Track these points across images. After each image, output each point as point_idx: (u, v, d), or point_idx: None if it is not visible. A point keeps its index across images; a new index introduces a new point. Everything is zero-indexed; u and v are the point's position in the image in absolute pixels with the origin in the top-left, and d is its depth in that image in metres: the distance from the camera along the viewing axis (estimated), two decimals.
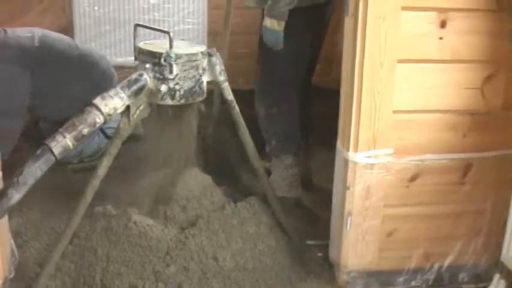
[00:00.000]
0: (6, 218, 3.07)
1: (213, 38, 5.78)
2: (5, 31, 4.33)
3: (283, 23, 3.66)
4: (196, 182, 3.31)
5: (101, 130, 4.49)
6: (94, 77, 4.47)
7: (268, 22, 3.69)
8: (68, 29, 5.75)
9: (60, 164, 4.18)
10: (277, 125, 3.85)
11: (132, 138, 4.53)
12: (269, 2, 3.68)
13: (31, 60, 4.27)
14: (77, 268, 3.10)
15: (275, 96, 3.90)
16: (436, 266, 3.31)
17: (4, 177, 2.96)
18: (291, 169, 4.03)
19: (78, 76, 4.47)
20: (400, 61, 2.93)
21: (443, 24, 2.92)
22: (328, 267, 3.42)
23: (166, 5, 5.85)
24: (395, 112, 3.00)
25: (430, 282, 3.34)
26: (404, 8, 2.86)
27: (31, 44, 4.33)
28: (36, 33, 4.42)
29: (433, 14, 2.91)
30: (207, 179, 3.40)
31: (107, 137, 4.49)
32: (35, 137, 4.79)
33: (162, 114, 3.18)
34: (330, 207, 3.41)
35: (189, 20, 5.86)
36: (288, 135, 3.96)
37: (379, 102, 2.96)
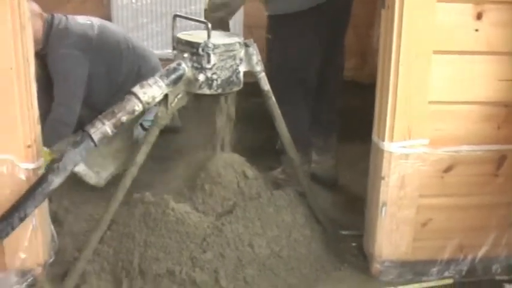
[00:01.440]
0: (46, 203, 3.13)
1: (249, 30, 5.81)
2: (67, 17, 4.54)
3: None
4: (232, 166, 3.33)
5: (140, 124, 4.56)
6: (143, 72, 4.58)
7: None
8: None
9: None
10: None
11: (171, 130, 4.64)
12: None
13: (90, 47, 4.47)
14: (115, 253, 3.15)
15: (280, 98, 3.92)
16: (469, 257, 3.32)
17: None
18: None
19: (129, 68, 4.63)
20: (435, 52, 2.95)
21: (479, 16, 2.93)
22: (362, 257, 3.44)
23: None
24: (430, 103, 3.01)
25: (463, 273, 3.33)
26: (440, 0, 2.88)
27: (91, 32, 4.53)
28: (95, 22, 4.63)
29: (469, 6, 2.91)
30: (243, 162, 3.42)
31: (144, 129, 4.54)
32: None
33: (199, 104, 3.22)
34: (362, 198, 3.45)
35: None
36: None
37: (414, 93, 2.98)
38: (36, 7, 4.34)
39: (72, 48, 4.41)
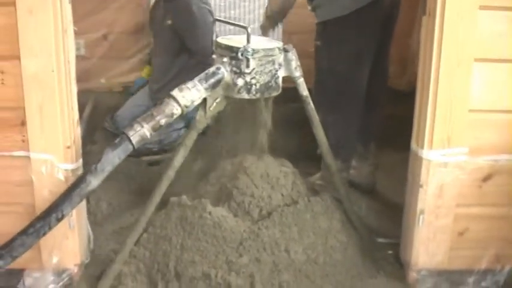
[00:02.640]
0: (84, 204, 3.17)
1: (289, 36, 5.82)
2: None
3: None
4: (270, 170, 3.33)
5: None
6: None
7: None
8: (144, 26, 5.85)
9: (137, 155, 4.32)
10: (331, 132, 3.83)
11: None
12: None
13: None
14: (152, 255, 3.16)
15: (330, 105, 3.91)
16: (507, 268, 3.28)
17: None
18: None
19: None
20: (477, 60, 2.93)
21: None
22: (398, 265, 3.42)
23: (242, 3, 5.92)
24: (470, 111, 2.99)
25: (500, 284, 3.29)
26: (481, 7, 2.86)
27: None
28: None
29: (511, 13, 2.90)
30: (281, 167, 3.42)
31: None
32: (110, 130, 4.94)
33: (237, 107, 3.23)
34: (399, 206, 3.43)
35: None
36: (341, 142, 3.95)
37: (454, 101, 2.96)
38: None
39: (206, 4, 4.97)
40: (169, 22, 4.89)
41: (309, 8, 4.06)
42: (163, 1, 5.02)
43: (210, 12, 4.92)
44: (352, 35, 3.82)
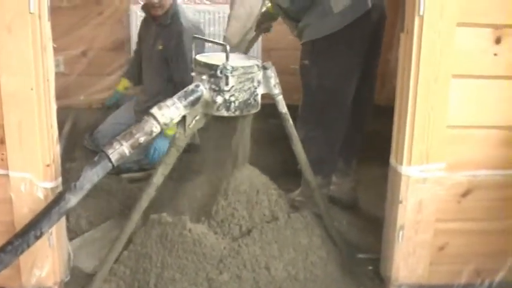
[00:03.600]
0: (64, 222, 3.16)
1: (267, 53, 5.83)
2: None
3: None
4: (250, 187, 3.33)
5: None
6: None
7: None
8: (124, 41, 5.85)
9: (117, 173, 4.31)
10: (315, 147, 3.84)
11: (190, 149, 4.66)
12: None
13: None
14: (132, 273, 3.15)
15: (317, 121, 3.92)
16: (486, 282, 3.30)
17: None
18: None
19: None
20: (454, 76, 2.95)
21: (498, 41, 2.93)
22: (378, 280, 3.43)
23: (222, 20, 5.92)
24: (449, 127, 3.01)
25: None
26: (459, 25, 2.88)
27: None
28: None
29: (488, 30, 2.92)
30: (262, 183, 3.42)
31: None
32: (90, 148, 4.93)
33: (217, 125, 3.23)
34: (380, 222, 3.43)
35: None
36: (323, 158, 3.96)
37: (433, 117, 2.98)
38: None
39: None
40: (160, 47, 4.94)
41: (294, 33, 4.11)
42: (156, 25, 5.04)
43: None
44: (342, 51, 3.83)
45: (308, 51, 3.98)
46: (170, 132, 4.18)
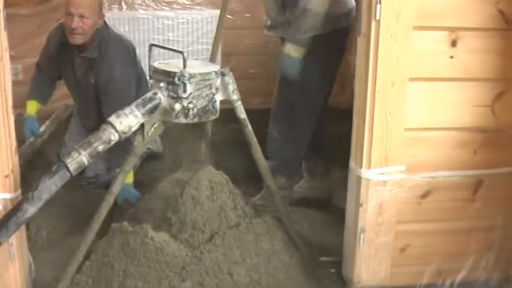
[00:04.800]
0: (24, 233, 3.13)
1: (227, 58, 5.83)
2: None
3: (302, 50, 3.71)
4: (211, 192, 3.31)
5: None
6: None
7: (287, 48, 3.76)
8: None
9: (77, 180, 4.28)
10: (284, 147, 3.85)
11: (154, 157, 4.65)
12: (290, 29, 3.75)
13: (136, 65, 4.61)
14: (94, 283, 3.14)
15: (291, 122, 3.93)
16: (448, 281, 3.33)
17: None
18: (282, 191, 3.97)
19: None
20: (411, 79, 2.97)
21: (453, 43, 2.96)
22: (341, 283, 3.44)
23: (181, 26, 5.91)
24: (407, 130, 3.04)
25: None
26: (415, 28, 2.91)
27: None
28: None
29: (444, 33, 2.95)
30: (222, 187, 3.39)
31: None
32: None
33: (177, 132, 3.23)
34: (343, 225, 3.44)
35: (203, 40, 5.91)
36: (291, 159, 3.98)
37: (391, 120, 3.00)
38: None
39: (130, 64, 4.45)
40: (92, 81, 4.44)
41: (279, 19, 3.97)
42: (80, 58, 4.42)
43: (139, 73, 4.58)
44: (324, 53, 3.83)
45: None
46: (129, 181, 4.00)
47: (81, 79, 4.50)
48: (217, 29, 4.31)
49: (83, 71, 4.45)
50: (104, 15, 4.39)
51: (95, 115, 4.56)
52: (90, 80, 4.42)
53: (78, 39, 4.25)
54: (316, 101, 4.04)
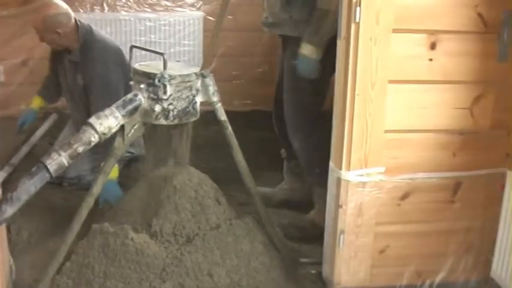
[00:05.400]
0: (5, 235, 3.12)
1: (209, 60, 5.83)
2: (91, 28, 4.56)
3: (320, 51, 3.65)
4: (191, 192, 3.32)
5: None
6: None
7: (305, 49, 3.66)
8: None
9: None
10: (317, 152, 3.78)
11: (136, 159, 4.64)
12: (309, 29, 3.66)
13: (122, 62, 4.57)
14: (75, 284, 3.13)
15: (309, 127, 3.91)
16: (427, 283, 3.35)
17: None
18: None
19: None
20: (391, 82, 2.99)
21: (433, 46, 2.98)
22: (321, 284, 3.45)
23: (162, 27, 5.89)
24: (386, 131, 3.06)
25: None
26: (395, 31, 2.92)
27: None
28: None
29: (423, 36, 2.97)
30: (207, 184, 3.41)
31: None
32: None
33: (157, 133, 3.24)
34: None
35: (185, 42, 5.90)
36: (323, 164, 3.91)
37: (370, 122, 3.02)
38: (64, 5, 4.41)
39: (114, 63, 4.45)
40: (81, 83, 4.49)
41: (282, 16, 3.85)
42: (68, 61, 4.56)
43: (122, 70, 4.46)
44: (332, 59, 3.78)
45: (295, 51, 3.83)
46: (113, 175, 3.98)
47: (70, 82, 4.58)
48: (214, 32, 4.26)
49: (72, 74, 4.53)
50: (72, 18, 4.45)
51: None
52: (78, 82, 4.48)
53: (59, 47, 4.48)
54: (323, 104, 3.94)
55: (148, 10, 5.97)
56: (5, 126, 5.03)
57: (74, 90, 4.60)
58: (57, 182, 4.44)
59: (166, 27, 5.90)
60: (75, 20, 4.44)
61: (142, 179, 3.59)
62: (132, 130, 3.09)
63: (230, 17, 5.65)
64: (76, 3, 5.53)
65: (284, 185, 4.44)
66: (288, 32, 3.88)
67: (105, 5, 5.84)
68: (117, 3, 5.86)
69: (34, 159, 4.25)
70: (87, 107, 4.45)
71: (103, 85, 4.36)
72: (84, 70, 4.43)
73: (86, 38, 4.43)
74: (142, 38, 5.88)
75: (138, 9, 5.93)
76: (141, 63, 3.26)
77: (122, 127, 3.04)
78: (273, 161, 4.69)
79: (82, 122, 4.37)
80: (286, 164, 4.38)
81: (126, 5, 5.92)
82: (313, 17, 3.65)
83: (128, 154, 4.64)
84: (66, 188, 4.51)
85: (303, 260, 3.65)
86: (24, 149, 5.07)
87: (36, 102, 4.92)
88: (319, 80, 3.75)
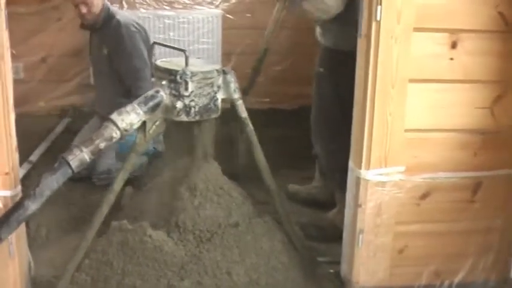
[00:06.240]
0: (24, 231, 3.13)
1: (227, 57, 5.82)
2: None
3: None
4: (211, 191, 3.32)
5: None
6: None
7: None
8: (83, 47, 5.81)
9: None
10: (339, 159, 3.76)
11: (159, 156, 4.64)
12: None
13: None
14: (93, 281, 3.14)
15: (331, 132, 3.89)
16: (446, 283, 3.33)
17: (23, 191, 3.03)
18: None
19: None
20: (411, 81, 2.98)
21: (454, 45, 2.97)
22: (339, 283, 3.43)
23: (181, 25, 5.91)
24: (406, 131, 3.05)
25: None
26: (416, 29, 2.91)
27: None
28: None
29: (444, 35, 2.96)
30: (226, 182, 3.42)
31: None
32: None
33: (179, 130, 3.24)
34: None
35: (204, 39, 5.90)
36: (344, 169, 3.89)
37: (391, 121, 3.00)
38: None
39: (135, 29, 4.79)
40: (105, 52, 4.80)
41: (318, 30, 3.91)
42: (94, 34, 4.93)
43: (143, 37, 4.81)
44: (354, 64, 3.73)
45: (326, 58, 3.90)
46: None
47: (96, 53, 4.92)
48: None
49: (97, 45, 4.86)
50: None
51: (108, 99, 4.78)
52: (103, 51, 4.77)
53: (89, 20, 4.76)
54: (349, 111, 3.90)
55: (167, 8, 5.98)
56: (24, 123, 5.05)
57: (99, 61, 4.89)
58: (87, 177, 4.50)
59: (185, 25, 5.91)
60: None
61: (161, 176, 3.59)
62: (154, 126, 3.09)
63: (248, 15, 5.66)
64: None
65: (315, 183, 4.43)
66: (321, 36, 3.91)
67: (124, 2, 5.86)
68: (136, 0, 5.88)
69: (53, 156, 4.30)
70: (111, 79, 4.78)
71: (126, 43, 4.68)
72: (106, 39, 4.79)
73: (109, 12, 4.79)
74: (161, 36, 5.89)
75: (157, 6, 5.95)
76: (163, 59, 3.26)
77: (144, 123, 3.04)
78: (292, 160, 4.69)
79: (104, 99, 4.88)
80: (317, 162, 4.36)
81: (145, 3, 5.94)
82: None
83: (151, 150, 4.69)
84: (95, 184, 4.52)
85: (321, 259, 3.64)
86: (43, 146, 5.10)
87: None
88: (341, 88, 3.69)
